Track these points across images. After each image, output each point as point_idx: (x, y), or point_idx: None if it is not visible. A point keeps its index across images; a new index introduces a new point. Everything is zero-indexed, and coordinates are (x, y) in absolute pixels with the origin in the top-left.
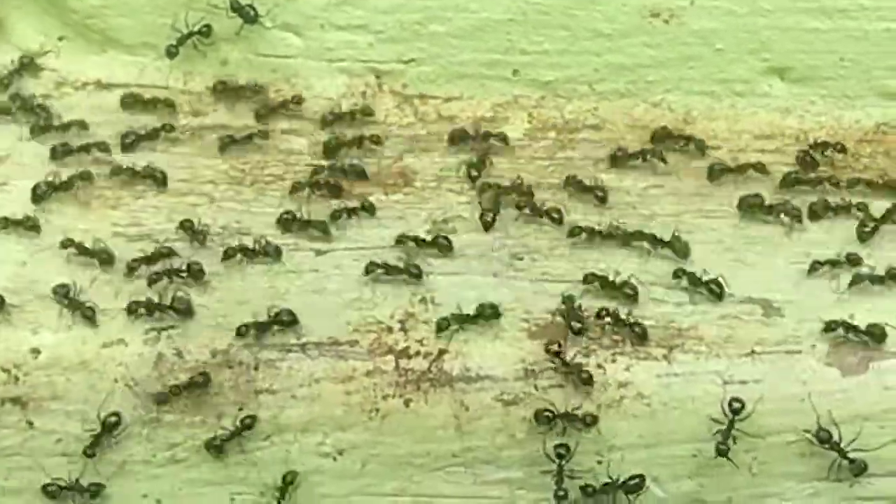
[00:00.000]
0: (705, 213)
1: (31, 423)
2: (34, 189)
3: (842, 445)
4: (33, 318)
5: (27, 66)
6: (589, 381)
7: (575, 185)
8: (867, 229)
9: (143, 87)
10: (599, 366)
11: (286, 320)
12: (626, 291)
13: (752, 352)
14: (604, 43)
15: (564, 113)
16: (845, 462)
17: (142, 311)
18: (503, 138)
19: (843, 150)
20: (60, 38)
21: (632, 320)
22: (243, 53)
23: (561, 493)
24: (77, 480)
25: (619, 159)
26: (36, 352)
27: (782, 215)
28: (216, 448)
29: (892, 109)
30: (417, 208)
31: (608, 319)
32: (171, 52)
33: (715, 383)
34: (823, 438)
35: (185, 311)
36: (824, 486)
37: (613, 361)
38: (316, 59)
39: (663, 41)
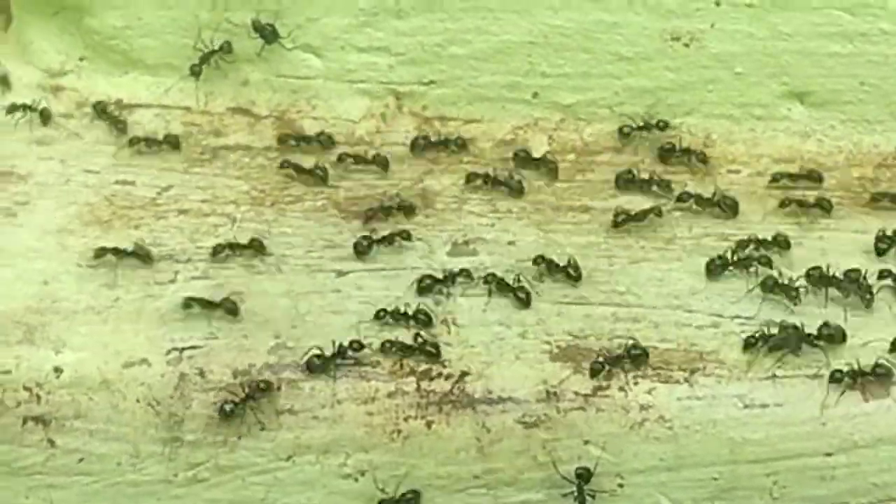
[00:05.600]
0: (727, 237)
1: (52, 442)
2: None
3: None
4: (56, 337)
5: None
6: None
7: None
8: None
9: (165, 108)
10: (621, 388)
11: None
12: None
13: (774, 375)
14: (624, 66)
15: (584, 136)
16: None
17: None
18: None
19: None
20: (81, 59)
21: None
22: (264, 74)
23: None
24: None
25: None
26: (58, 371)
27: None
28: None
29: None
30: (438, 230)
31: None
32: (196, 72)
33: (736, 407)
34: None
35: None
36: None
37: (636, 384)
38: (336, 80)
39: (683, 64)
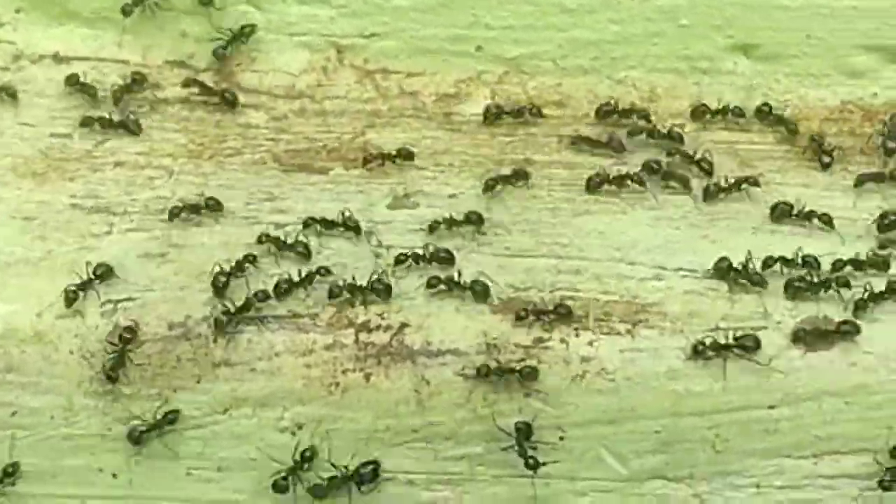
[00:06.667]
0: (671, 190)
1: None
2: None
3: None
4: None
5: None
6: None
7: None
8: None
9: (102, 61)
10: (562, 340)
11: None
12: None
13: (717, 328)
14: (568, 18)
15: (528, 89)
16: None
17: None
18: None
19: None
20: (17, 11)
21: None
22: (203, 27)
23: (531, 461)
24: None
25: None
26: None
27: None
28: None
29: (857, 88)
30: (378, 183)
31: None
32: (127, 12)
33: (679, 359)
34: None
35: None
36: (788, 463)
37: (577, 336)
38: (276, 32)
39: (627, 17)
